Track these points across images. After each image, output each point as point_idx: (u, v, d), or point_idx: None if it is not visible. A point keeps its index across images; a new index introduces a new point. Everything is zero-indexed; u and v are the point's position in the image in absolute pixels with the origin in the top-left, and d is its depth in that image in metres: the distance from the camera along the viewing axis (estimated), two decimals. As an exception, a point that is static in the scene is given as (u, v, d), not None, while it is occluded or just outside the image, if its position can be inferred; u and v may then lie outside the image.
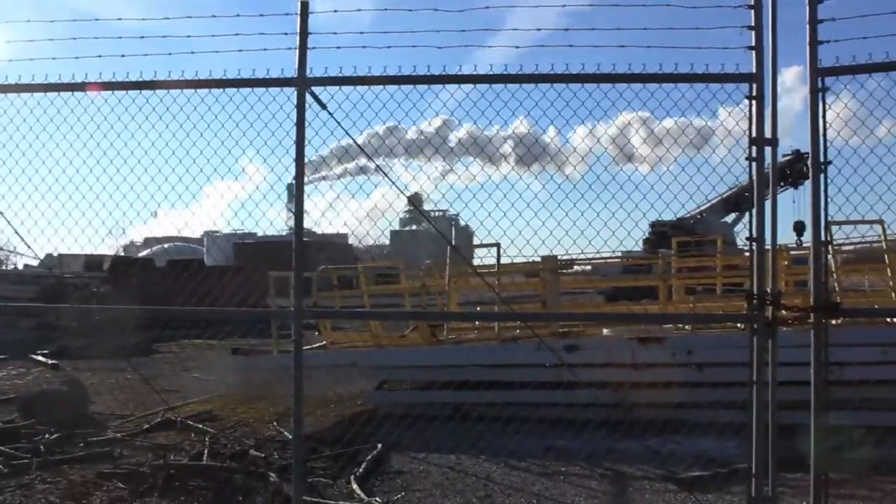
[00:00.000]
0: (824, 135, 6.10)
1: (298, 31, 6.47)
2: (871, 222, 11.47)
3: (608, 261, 18.82)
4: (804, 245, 13.25)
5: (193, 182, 7.23)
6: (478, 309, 15.90)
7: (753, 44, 6.12)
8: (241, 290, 24.42)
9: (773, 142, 6.11)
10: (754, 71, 6.13)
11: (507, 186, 6.99)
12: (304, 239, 6.78)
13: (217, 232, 59.21)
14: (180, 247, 59.94)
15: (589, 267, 21.17)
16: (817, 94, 6.09)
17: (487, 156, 7.40)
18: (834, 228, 12.01)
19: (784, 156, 33.43)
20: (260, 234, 51.55)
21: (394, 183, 7.17)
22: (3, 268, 39.59)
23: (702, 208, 44.98)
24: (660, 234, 35.87)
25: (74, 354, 22.35)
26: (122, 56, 6.66)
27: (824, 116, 6.10)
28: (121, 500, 8.39)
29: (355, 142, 6.99)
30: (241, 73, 6.70)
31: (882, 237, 12.34)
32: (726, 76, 6.25)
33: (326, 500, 8.25)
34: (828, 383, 6.12)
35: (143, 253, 55.07)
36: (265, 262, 36.70)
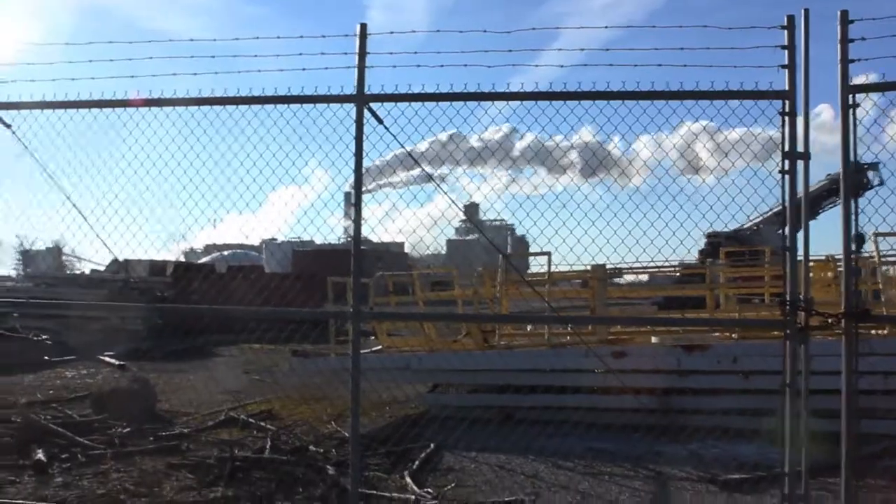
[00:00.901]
0: (854, 148, 6.43)
1: (357, 51, 6.97)
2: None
3: (661, 271, 19.08)
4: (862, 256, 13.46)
5: (258, 190, 7.70)
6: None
7: (787, 62, 6.46)
8: (299, 296, 25.10)
9: (806, 155, 6.44)
10: (787, 88, 6.47)
11: (566, 196, 7.39)
12: (362, 247, 7.24)
13: (275, 240, 60.53)
14: (239, 254, 61.10)
15: (645, 278, 21.44)
16: (848, 109, 6.42)
17: (546, 166, 7.84)
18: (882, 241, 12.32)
19: (842, 168, 33.22)
20: (318, 241, 52.67)
21: (446, 193, 7.64)
22: (69, 272, 40.97)
23: (757, 220, 44.79)
24: (715, 244, 35.84)
25: (140, 356, 23.20)
26: (195, 74, 7.20)
27: (855, 131, 6.43)
28: (189, 488, 8.95)
29: (410, 154, 7.48)
30: (304, 89, 7.19)
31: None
32: (760, 93, 6.60)
33: (380, 492, 8.70)
34: (857, 391, 6.41)
35: (204, 259, 56.22)
36: (323, 269, 37.58)
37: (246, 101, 7.12)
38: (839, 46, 6.36)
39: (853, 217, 6.45)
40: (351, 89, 7.04)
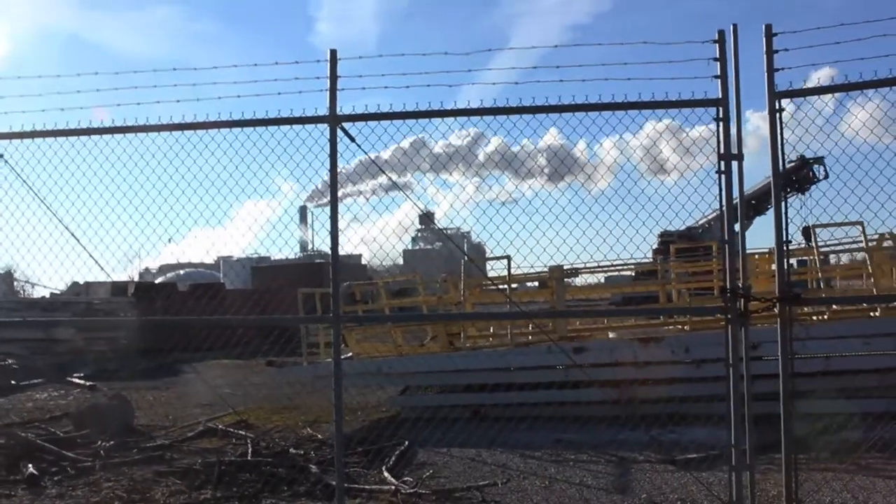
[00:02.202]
0: (781, 148, 7.17)
1: (329, 75, 7.56)
2: (850, 224, 12.51)
3: (616, 270, 19.81)
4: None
5: (217, 208, 8.17)
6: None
7: (718, 73, 7.17)
8: (260, 310, 25.57)
9: (739, 157, 7.15)
10: (720, 96, 7.18)
11: (525, 201, 8.05)
12: (318, 261, 7.81)
13: (231, 257, 60.65)
14: (194, 273, 61.14)
15: (603, 279, 22.19)
16: (775, 113, 7.16)
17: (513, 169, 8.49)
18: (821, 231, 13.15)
19: (789, 162, 34.18)
20: (274, 257, 52.96)
21: (408, 196, 8.26)
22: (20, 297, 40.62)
23: (709, 217, 45.84)
24: (668, 243, 36.73)
25: (108, 376, 23.49)
26: (178, 101, 7.74)
27: (781, 132, 7.17)
28: (180, 492, 9.45)
29: (376, 162, 8.07)
30: (269, 112, 7.74)
31: (863, 238, 13.32)
32: (697, 102, 7.31)
33: (362, 485, 9.26)
34: (793, 372, 7.11)
35: (161, 279, 56.17)
36: (281, 284, 38.00)
37: (228, 124, 7.67)
38: (764, 57, 7.10)
39: (783, 211, 7.19)
40: (321, 111, 7.64)
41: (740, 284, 7.14)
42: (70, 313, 29.78)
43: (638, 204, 7.67)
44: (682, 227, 24.99)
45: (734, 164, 7.14)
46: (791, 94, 7.20)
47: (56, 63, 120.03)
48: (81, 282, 34.01)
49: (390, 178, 8.26)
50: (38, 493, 9.71)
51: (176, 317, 19.96)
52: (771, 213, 7.35)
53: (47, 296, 35.15)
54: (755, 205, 41.41)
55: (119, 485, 9.89)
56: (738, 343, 7.06)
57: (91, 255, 8.00)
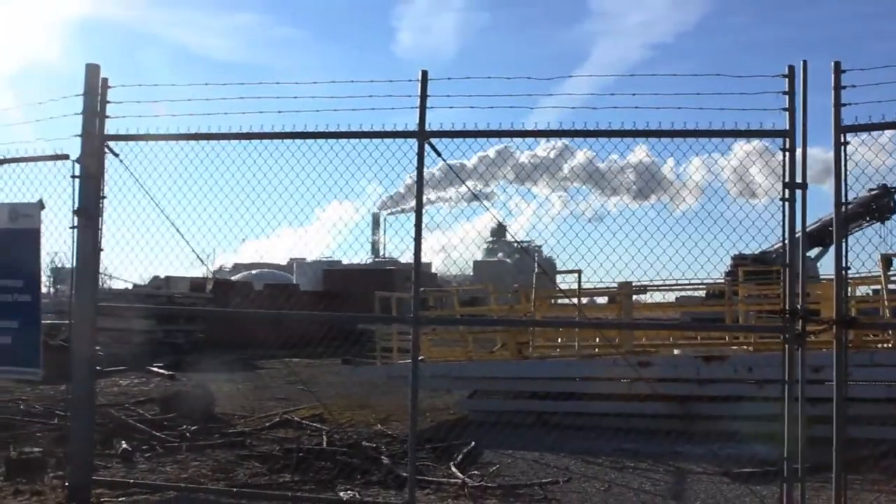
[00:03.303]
0: (845, 180, 7.56)
1: (419, 93, 8.18)
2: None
3: (684, 289, 20.09)
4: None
5: (301, 211, 8.96)
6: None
7: (787, 105, 7.60)
8: (338, 310, 26.31)
9: (804, 185, 7.56)
10: (787, 128, 7.60)
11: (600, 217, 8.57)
12: (390, 268, 8.43)
13: (304, 259, 61.99)
14: (266, 273, 62.41)
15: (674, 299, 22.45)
16: (840, 146, 7.56)
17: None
18: None
19: (870, 190, 33.56)
20: (345, 262, 54.08)
21: (485, 205, 8.82)
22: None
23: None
24: (739, 265, 36.56)
25: (185, 367, 24.53)
26: (280, 112, 8.43)
27: (846, 164, 7.56)
28: (260, 474, 10.17)
29: (460, 178, 8.66)
30: (355, 123, 8.43)
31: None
32: (765, 132, 7.77)
33: (430, 478, 9.85)
34: (846, 394, 7.49)
35: (234, 278, 57.54)
36: (350, 287, 38.88)
37: (329, 135, 8.35)
38: (832, 93, 7.51)
39: (844, 240, 7.59)
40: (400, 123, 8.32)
41: (799, 306, 7.55)
42: (153, 304, 31.03)
43: (717, 226, 8.06)
44: (757, 251, 25.09)
45: (798, 192, 7.56)
46: (856, 128, 7.59)
47: (147, 65, 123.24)
48: (162, 276, 35.21)
49: (470, 189, 8.85)
50: (131, 466, 10.52)
51: (261, 310, 20.77)
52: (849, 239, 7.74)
53: (129, 287, 36.56)
54: (830, 232, 40.78)
55: (204, 464, 10.66)
56: (795, 363, 7.46)
57: (193, 251, 8.72)
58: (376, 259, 69.95)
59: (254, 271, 64.34)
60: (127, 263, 9.53)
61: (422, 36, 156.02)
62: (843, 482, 7.54)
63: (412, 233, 8.32)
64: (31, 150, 9.08)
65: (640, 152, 8.76)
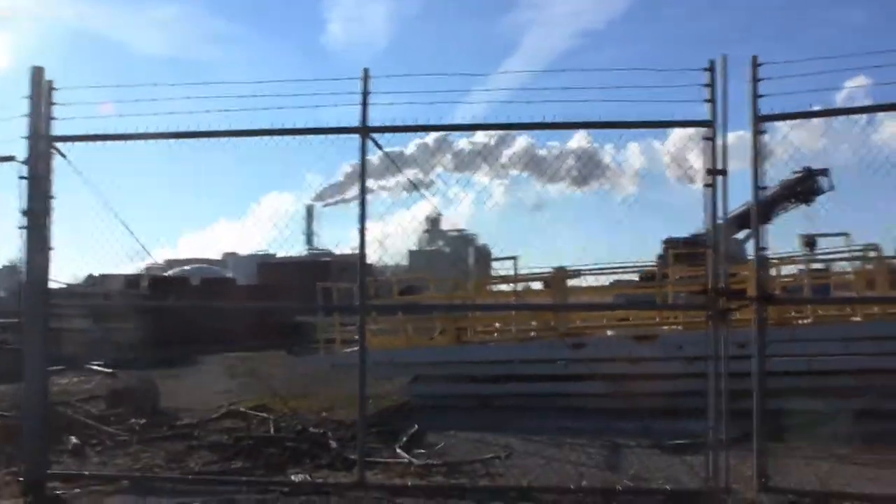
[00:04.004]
0: (761, 166, 8.13)
1: (361, 90, 8.52)
2: (837, 234, 13.58)
3: (615, 273, 20.72)
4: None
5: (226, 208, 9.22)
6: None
7: (709, 97, 8.13)
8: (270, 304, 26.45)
9: (724, 172, 8.10)
10: (709, 118, 8.13)
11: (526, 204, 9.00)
12: (326, 259, 8.80)
13: (236, 254, 61.60)
14: (203, 268, 61.85)
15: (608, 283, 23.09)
16: (756, 135, 8.12)
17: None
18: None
19: (794, 173, 34.37)
20: (280, 255, 53.74)
21: (422, 192, 9.21)
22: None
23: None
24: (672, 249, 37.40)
25: (126, 365, 24.41)
26: (225, 111, 8.70)
27: (760, 151, 8.13)
28: (212, 462, 10.44)
29: (399, 168, 9.03)
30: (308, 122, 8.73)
31: (848, 247, 14.31)
32: (689, 122, 8.30)
33: (378, 459, 10.23)
34: (765, 369, 8.07)
35: (168, 273, 56.97)
36: (288, 280, 38.90)
37: (275, 132, 8.66)
38: (750, 85, 8.07)
39: (764, 222, 8.19)
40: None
41: (721, 285, 8.09)
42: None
43: (652, 211, 8.61)
44: (690, 235, 26.03)
45: (720, 178, 8.10)
46: (772, 118, 8.16)
47: (70, 59, 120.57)
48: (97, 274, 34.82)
49: (409, 178, 9.22)
50: (84, 460, 10.68)
51: (205, 303, 20.89)
52: (776, 221, 8.32)
53: (64, 286, 36.10)
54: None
55: (156, 456, 10.87)
56: (719, 339, 8.01)
57: (138, 241, 8.93)
58: (311, 251, 69.84)
59: (187, 267, 63.71)
60: (68, 261, 9.68)
61: (352, 27, 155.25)
62: (764, 449, 8.12)
63: (351, 224, 8.67)
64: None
65: (580, 138, 9.24)
